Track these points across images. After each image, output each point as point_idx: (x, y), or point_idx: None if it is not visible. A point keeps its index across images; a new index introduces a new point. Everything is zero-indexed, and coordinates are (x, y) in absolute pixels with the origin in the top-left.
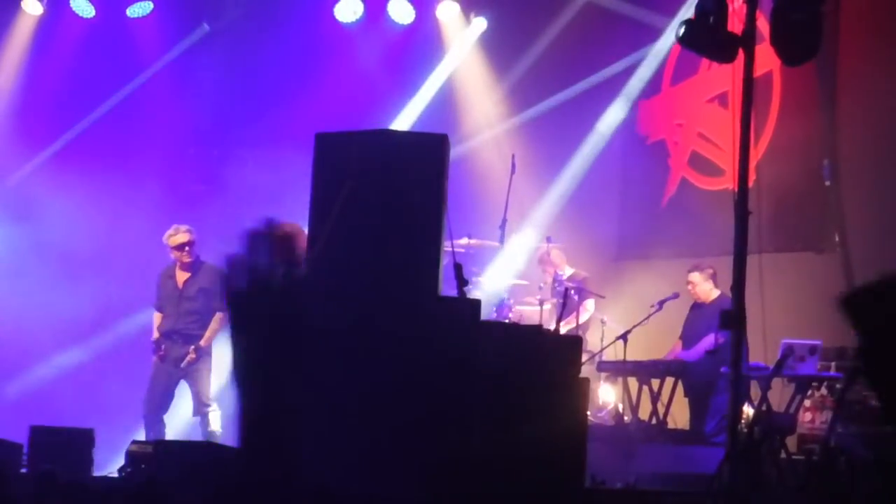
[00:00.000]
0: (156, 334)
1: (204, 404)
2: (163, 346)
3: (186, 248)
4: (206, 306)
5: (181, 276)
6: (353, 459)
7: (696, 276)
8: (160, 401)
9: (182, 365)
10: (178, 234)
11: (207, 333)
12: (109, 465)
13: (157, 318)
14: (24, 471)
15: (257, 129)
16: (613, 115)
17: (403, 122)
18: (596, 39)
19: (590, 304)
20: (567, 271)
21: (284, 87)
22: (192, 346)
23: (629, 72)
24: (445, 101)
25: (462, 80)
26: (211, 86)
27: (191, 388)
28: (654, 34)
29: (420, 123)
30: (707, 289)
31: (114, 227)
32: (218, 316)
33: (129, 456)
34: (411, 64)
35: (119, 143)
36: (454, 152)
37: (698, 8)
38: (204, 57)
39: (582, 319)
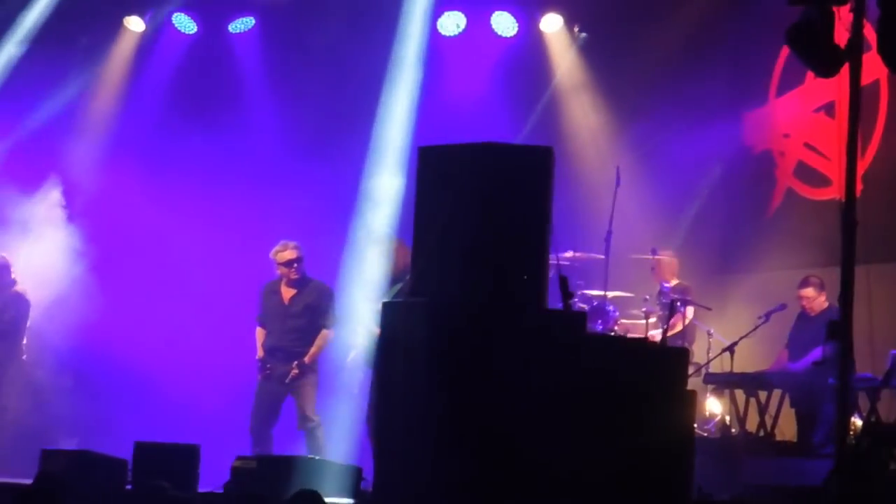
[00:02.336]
0: (260, 352)
1: (308, 419)
2: (268, 365)
3: (295, 265)
4: (311, 323)
5: (287, 293)
6: (454, 475)
7: (810, 292)
8: (267, 417)
9: (286, 381)
10: (287, 251)
11: (312, 350)
12: (215, 480)
13: (259, 334)
14: (128, 487)
15: (360, 143)
16: (717, 126)
17: (507, 134)
18: (700, 49)
19: (689, 311)
20: (674, 281)
21: (386, 100)
22: (296, 363)
23: (733, 83)
24: (549, 113)
25: (565, 92)
26: (312, 100)
27: (296, 403)
28: (757, 45)
29: (524, 136)
30: (820, 301)
31: (212, 241)
32: (324, 333)
33: (234, 471)
34: (514, 76)
35: (220, 158)
36: (558, 164)
37: (804, 16)
38: (304, 71)
39: (676, 329)
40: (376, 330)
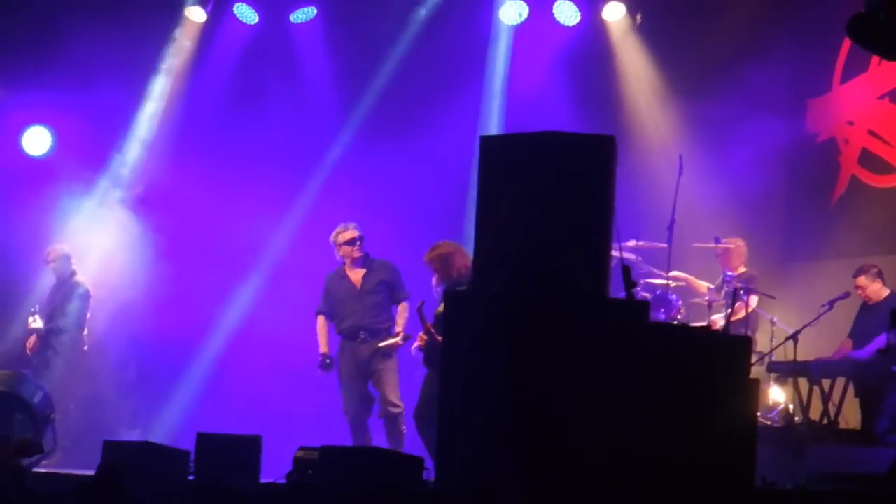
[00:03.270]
0: (323, 347)
1: (394, 405)
2: (328, 360)
3: (357, 243)
4: (387, 299)
5: (356, 274)
6: (516, 462)
7: (862, 280)
8: (360, 407)
9: (374, 360)
10: (348, 231)
11: (401, 321)
12: (277, 471)
13: (322, 326)
14: (190, 478)
15: (420, 133)
16: (781, 114)
17: (569, 123)
18: (764, 36)
19: (752, 300)
20: (739, 270)
21: (448, 89)
22: (398, 336)
23: (797, 70)
24: (612, 101)
25: (627, 80)
26: (374, 90)
27: (377, 391)
28: (821, 31)
29: (586, 124)
30: (876, 288)
31: (273, 231)
32: (403, 306)
33: (296, 462)
34: (576, 65)
35: (280, 149)
36: (621, 153)
37: (868, 4)
38: (366, 61)
39: (738, 315)
40: (437, 337)
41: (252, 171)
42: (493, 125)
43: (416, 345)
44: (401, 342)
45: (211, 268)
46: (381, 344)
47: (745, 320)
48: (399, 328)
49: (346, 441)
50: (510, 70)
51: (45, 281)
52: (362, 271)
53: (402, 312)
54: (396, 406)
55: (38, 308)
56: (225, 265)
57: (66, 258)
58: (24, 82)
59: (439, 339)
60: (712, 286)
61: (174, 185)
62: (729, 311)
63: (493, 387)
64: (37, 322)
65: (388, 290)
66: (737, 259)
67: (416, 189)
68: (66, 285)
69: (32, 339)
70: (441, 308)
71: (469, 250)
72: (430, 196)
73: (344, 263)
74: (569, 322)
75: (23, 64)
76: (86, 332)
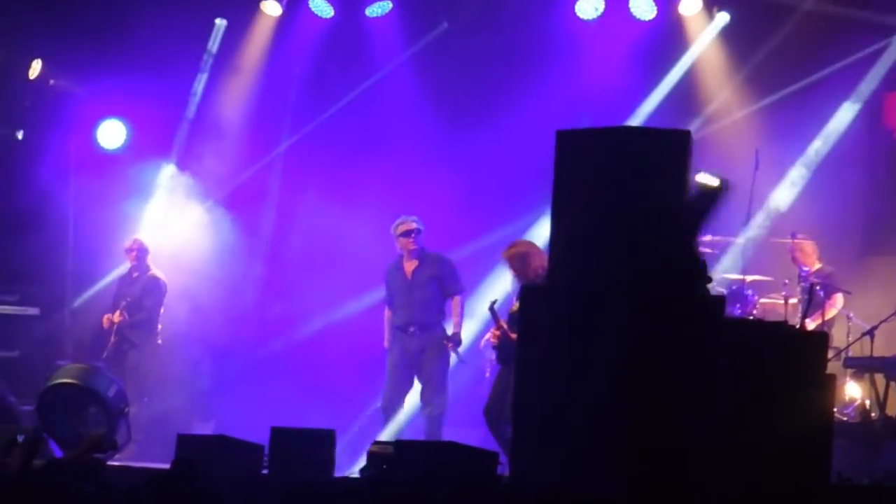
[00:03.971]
0: (387, 343)
1: (435, 405)
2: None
3: (413, 236)
4: (437, 293)
5: (409, 266)
6: (597, 458)
7: None
8: (396, 398)
9: (421, 356)
10: (406, 223)
11: (456, 319)
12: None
13: (388, 318)
14: (264, 472)
15: (495, 127)
16: (855, 108)
17: (644, 117)
18: (840, 29)
19: (838, 300)
20: (815, 266)
21: (523, 83)
22: (453, 338)
23: (870, 64)
24: (687, 96)
25: (704, 75)
26: (450, 84)
27: (423, 389)
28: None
29: (661, 119)
30: None
31: (350, 223)
32: (456, 300)
33: (371, 456)
34: (653, 59)
35: (356, 143)
36: (696, 147)
37: None
38: (440, 55)
39: (828, 315)
40: (511, 334)
41: (325, 166)
42: (569, 120)
43: (485, 338)
44: (450, 346)
45: (287, 260)
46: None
47: (822, 315)
48: (454, 325)
49: (420, 436)
50: (586, 65)
51: (121, 273)
52: (415, 263)
53: (455, 307)
54: (438, 407)
55: (125, 304)
56: (302, 257)
57: (145, 252)
58: (99, 76)
59: (513, 336)
60: (788, 281)
61: (249, 178)
62: (806, 309)
63: (568, 383)
64: (119, 316)
65: (437, 285)
66: (809, 256)
67: (490, 183)
68: (143, 279)
69: (112, 332)
70: (516, 307)
71: (544, 246)
72: (504, 190)
73: (402, 255)
74: (644, 318)
75: (98, 58)
76: (160, 327)
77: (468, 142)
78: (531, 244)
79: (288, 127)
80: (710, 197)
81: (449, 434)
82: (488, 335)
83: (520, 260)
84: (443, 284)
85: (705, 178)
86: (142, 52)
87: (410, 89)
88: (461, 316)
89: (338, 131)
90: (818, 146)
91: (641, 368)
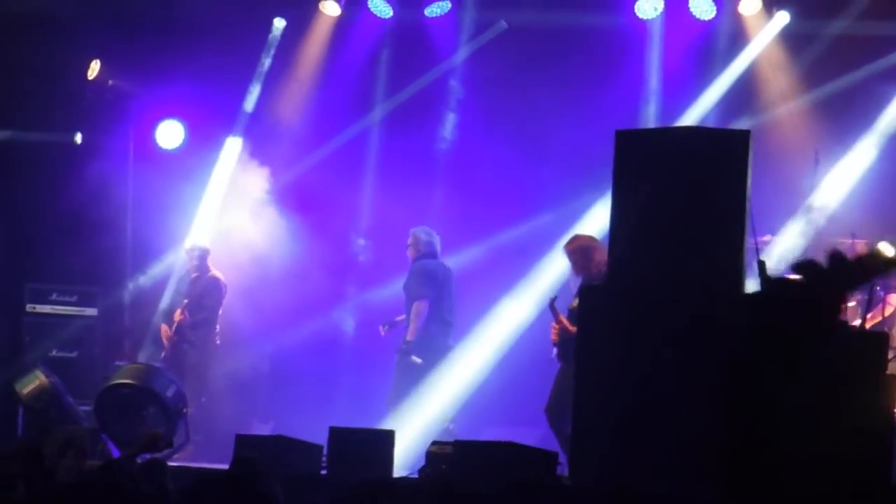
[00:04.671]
0: None
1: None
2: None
3: (408, 248)
4: (408, 299)
5: None
6: (655, 457)
7: None
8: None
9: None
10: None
11: (411, 324)
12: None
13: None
14: (323, 472)
15: (553, 127)
16: None
17: (704, 117)
18: None
19: (894, 299)
20: None
21: (582, 82)
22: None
23: None
24: (746, 95)
25: (763, 74)
26: (505, 83)
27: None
28: None
29: (721, 118)
30: None
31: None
32: (415, 304)
33: (430, 456)
34: (712, 59)
35: (415, 144)
36: (757, 147)
37: None
38: (499, 54)
39: (887, 313)
40: (571, 328)
41: (384, 166)
42: (628, 120)
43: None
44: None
45: (345, 262)
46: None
47: (881, 313)
48: (410, 332)
49: (478, 435)
50: (646, 64)
51: (180, 274)
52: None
53: (413, 310)
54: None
55: (186, 302)
56: (359, 259)
57: (206, 253)
58: (158, 76)
59: (573, 329)
60: None
61: (308, 179)
62: (865, 310)
63: (628, 383)
64: (180, 315)
65: (407, 293)
66: None
67: (549, 182)
68: (203, 279)
69: (171, 331)
70: (576, 302)
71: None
72: (563, 189)
73: None
74: (704, 318)
75: (156, 58)
76: (218, 328)
77: (527, 142)
78: (593, 238)
79: (346, 126)
80: (882, 265)
81: (508, 433)
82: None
83: (582, 254)
84: (409, 291)
85: (885, 248)
86: (200, 52)
87: (469, 88)
88: (415, 321)
89: (395, 131)
90: (876, 144)
91: (699, 370)
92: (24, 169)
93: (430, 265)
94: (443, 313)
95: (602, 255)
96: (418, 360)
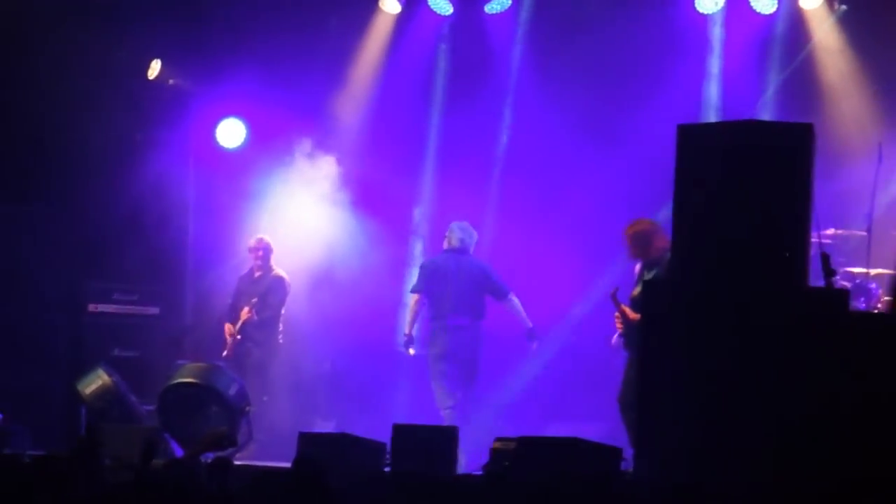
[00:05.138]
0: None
1: None
2: None
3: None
4: None
5: None
6: (716, 456)
7: None
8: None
9: None
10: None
11: None
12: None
13: None
14: (386, 469)
15: (616, 122)
16: None
17: (765, 111)
18: None
19: None
20: None
21: (642, 77)
22: None
23: None
24: (809, 89)
25: (826, 68)
26: (567, 80)
27: None
28: None
29: (782, 112)
30: None
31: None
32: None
33: (493, 453)
34: (773, 53)
35: (476, 141)
36: (819, 140)
37: None
38: (560, 51)
39: None
40: (633, 315)
41: (450, 164)
42: (690, 114)
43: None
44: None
45: (408, 260)
46: None
47: None
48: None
49: (543, 431)
50: (707, 59)
51: (242, 272)
52: None
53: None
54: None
55: (253, 301)
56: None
57: (269, 251)
58: (218, 75)
59: (635, 316)
60: None
61: (371, 176)
62: None
63: (692, 377)
64: (247, 313)
65: None
66: None
67: (611, 179)
68: (267, 278)
69: (235, 329)
70: (638, 290)
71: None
72: (626, 186)
73: None
74: (768, 311)
75: (216, 57)
76: (281, 327)
77: (589, 138)
78: (653, 223)
79: (407, 123)
80: None
81: (571, 429)
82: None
83: (642, 238)
84: None
85: None
86: (260, 50)
87: (530, 85)
88: (409, 313)
89: (457, 127)
90: None
91: (764, 364)
92: (85, 168)
93: (428, 260)
94: (440, 308)
95: (661, 241)
96: (412, 352)
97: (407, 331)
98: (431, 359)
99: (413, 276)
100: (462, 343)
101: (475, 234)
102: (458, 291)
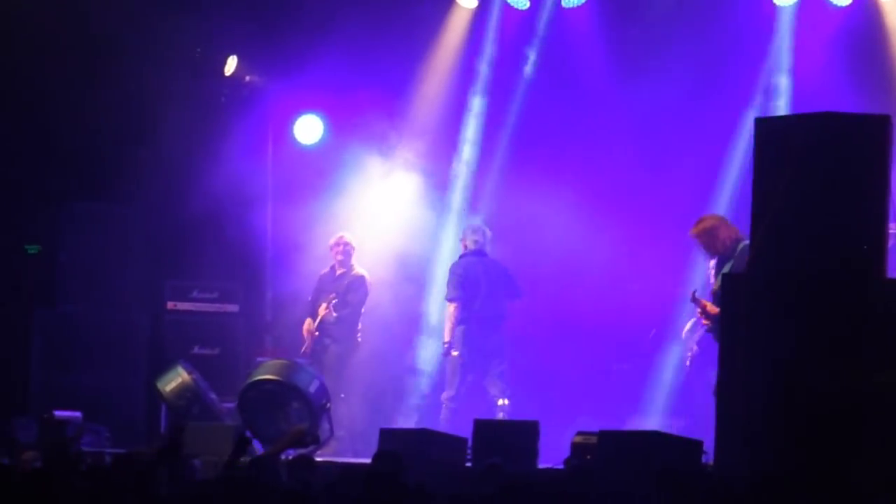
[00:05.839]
0: None
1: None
2: None
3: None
4: None
5: None
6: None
7: None
8: None
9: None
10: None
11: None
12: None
13: None
14: (468, 464)
15: (690, 112)
16: None
17: (842, 103)
18: None
19: None
20: None
21: (718, 69)
22: None
23: None
24: (887, 81)
25: None
26: (651, 75)
27: None
28: None
29: (861, 104)
30: None
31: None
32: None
33: (574, 447)
34: (850, 45)
35: (551, 132)
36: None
37: None
38: (636, 44)
39: None
40: (714, 309)
41: (524, 155)
42: (765, 107)
43: (686, 328)
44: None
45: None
46: None
47: None
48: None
49: (613, 425)
50: (780, 50)
51: (323, 270)
52: None
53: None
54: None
55: (332, 299)
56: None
57: (351, 249)
58: (296, 71)
59: (716, 310)
60: None
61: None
62: None
63: (772, 371)
64: (326, 310)
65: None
66: None
67: (679, 171)
68: (348, 276)
69: (313, 326)
70: (717, 284)
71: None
72: (695, 180)
73: None
74: (848, 305)
75: (293, 53)
76: (360, 326)
77: (661, 130)
78: (716, 217)
79: (483, 120)
80: None
81: (653, 423)
82: (688, 324)
83: (708, 235)
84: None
85: None
86: (337, 46)
87: (606, 79)
88: (446, 323)
89: (534, 122)
90: None
91: (845, 357)
92: (163, 167)
93: (458, 266)
94: (482, 311)
95: (727, 232)
96: (455, 353)
97: (447, 338)
98: (473, 362)
99: (443, 282)
100: (494, 341)
101: (489, 233)
102: (486, 294)
